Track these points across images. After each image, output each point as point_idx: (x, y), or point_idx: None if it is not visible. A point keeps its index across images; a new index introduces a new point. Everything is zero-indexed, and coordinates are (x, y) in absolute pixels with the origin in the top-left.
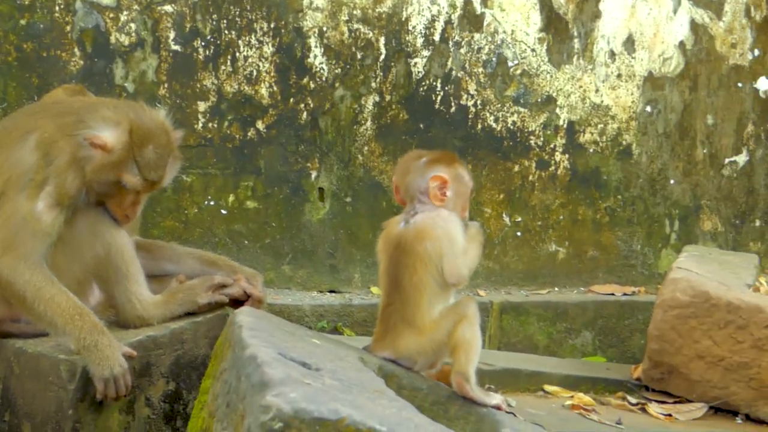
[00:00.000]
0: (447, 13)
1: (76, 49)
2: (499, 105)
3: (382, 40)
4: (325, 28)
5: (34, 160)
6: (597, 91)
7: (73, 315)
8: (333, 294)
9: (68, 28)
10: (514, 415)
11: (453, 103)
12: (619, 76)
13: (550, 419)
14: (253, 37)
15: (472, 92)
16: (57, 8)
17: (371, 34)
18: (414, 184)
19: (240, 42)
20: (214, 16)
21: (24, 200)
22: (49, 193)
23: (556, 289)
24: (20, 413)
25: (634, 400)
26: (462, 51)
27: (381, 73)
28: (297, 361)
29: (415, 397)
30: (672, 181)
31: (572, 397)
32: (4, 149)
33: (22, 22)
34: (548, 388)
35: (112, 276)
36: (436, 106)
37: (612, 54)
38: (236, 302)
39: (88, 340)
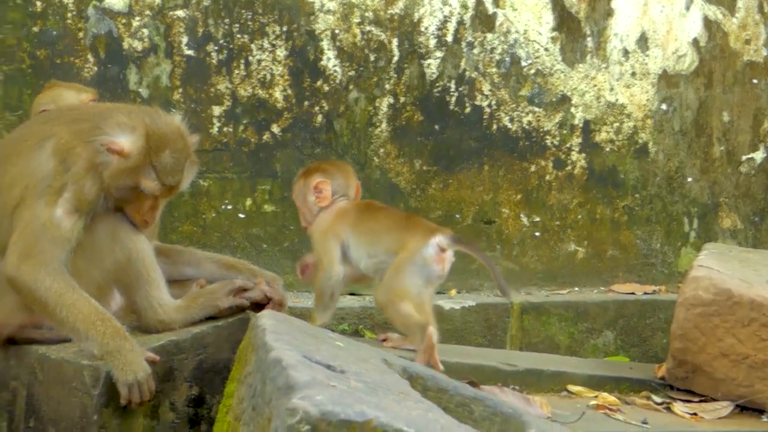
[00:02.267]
0: (459, 13)
1: (89, 56)
2: (514, 105)
3: (395, 41)
4: (337, 31)
5: (52, 167)
6: (612, 89)
7: (95, 320)
8: (353, 296)
9: (81, 34)
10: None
11: (467, 104)
12: (633, 74)
13: (575, 419)
14: (265, 40)
15: (486, 92)
16: (69, 15)
17: (384, 36)
18: None
19: (253, 46)
20: (226, 21)
21: (43, 207)
22: (68, 200)
23: (576, 288)
24: (45, 419)
25: (659, 400)
26: (475, 51)
27: (394, 75)
28: (321, 363)
29: (440, 398)
30: (689, 179)
31: (596, 397)
32: (20, 157)
33: (35, 29)
34: (572, 388)
35: (133, 281)
36: (451, 107)
37: (625, 52)
38: (257, 306)
39: (111, 345)
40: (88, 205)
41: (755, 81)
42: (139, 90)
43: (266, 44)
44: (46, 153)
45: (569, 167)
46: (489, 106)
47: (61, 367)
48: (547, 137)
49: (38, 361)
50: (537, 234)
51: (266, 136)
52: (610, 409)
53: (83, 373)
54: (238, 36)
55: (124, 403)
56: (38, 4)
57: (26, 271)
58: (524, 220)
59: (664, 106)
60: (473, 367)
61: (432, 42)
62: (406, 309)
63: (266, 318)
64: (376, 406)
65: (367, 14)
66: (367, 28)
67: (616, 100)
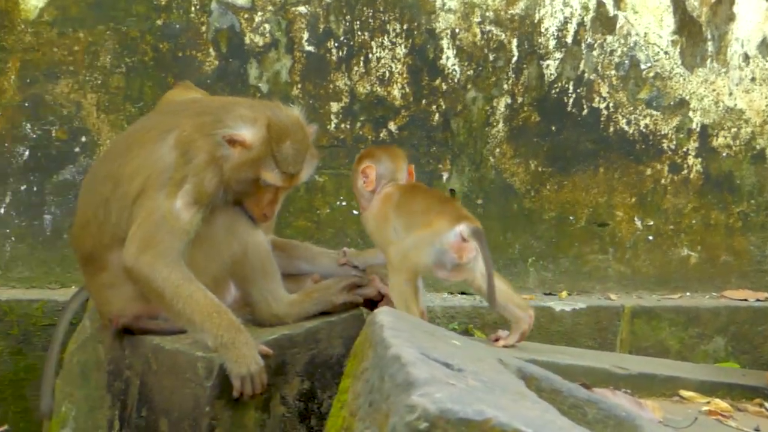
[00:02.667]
0: (579, 15)
1: (211, 50)
2: (632, 108)
3: (515, 42)
4: (457, 30)
5: (173, 159)
6: (731, 94)
7: (210, 312)
8: (463, 296)
9: (203, 28)
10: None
11: (585, 106)
12: (753, 79)
13: (687, 425)
14: (385, 38)
15: (604, 95)
16: (192, 9)
17: (503, 36)
18: None
19: (373, 43)
20: (348, 17)
21: (163, 198)
22: (188, 192)
23: (688, 294)
24: (157, 409)
25: None
26: (594, 53)
27: (513, 75)
28: (440, 361)
29: (554, 399)
30: None
31: (709, 402)
32: (143, 148)
33: (159, 22)
34: (684, 393)
35: (249, 275)
36: (568, 109)
37: (746, 57)
38: (369, 302)
39: (225, 337)
40: (208, 197)
41: None
42: (259, 85)
43: (386, 42)
44: (168, 145)
45: (685, 171)
46: (606, 108)
47: (175, 357)
48: (664, 141)
49: (152, 352)
50: (650, 238)
51: (383, 134)
52: (723, 416)
53: (197, 364)
54: (359, 33)
55: (236, 396)
56: None
57: (145, 261)
58: (638, 223)
59: None
60: (585, 369)
61: (552, 43)
62: (409, 283)
63: (384, 314)
64: (494, 405)
65: (487, 14)
66: (488, 27)
67: (735, 105)
